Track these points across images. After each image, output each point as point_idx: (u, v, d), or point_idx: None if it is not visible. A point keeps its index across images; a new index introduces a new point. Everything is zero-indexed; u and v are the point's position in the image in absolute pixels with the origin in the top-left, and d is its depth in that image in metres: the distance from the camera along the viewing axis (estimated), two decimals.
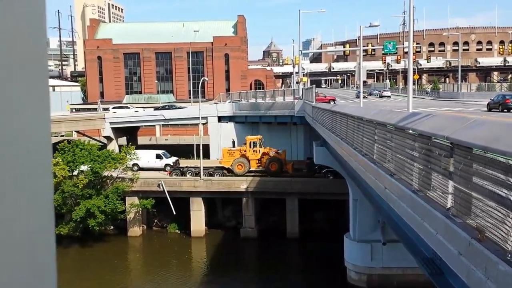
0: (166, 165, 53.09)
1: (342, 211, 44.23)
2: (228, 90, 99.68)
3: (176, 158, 55.59)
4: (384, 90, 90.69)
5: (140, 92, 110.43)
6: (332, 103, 53.57)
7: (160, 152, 54.70)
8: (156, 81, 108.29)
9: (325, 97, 64.57)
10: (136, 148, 52.42)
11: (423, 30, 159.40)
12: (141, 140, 77.01)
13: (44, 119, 0.93)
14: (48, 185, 0.95)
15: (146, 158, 53.75)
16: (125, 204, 48.37)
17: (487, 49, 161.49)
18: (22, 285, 0.86)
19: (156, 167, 53.23)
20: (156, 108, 75.13)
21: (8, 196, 0.84)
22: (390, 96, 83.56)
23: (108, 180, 48.59)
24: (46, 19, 0.95)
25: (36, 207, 0.91)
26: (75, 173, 46.96)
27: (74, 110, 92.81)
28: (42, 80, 0.93)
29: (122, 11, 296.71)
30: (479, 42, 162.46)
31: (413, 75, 42.07)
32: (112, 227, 50.26)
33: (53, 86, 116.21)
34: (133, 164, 52.22)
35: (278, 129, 59.36)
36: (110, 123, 64.25)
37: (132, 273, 42.69)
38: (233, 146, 54.47)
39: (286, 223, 47.92)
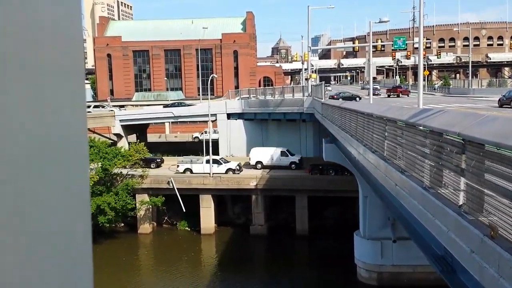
0: (291, 162, 51.74)
1: (352, 208, 44.08)
2: (237, 87, 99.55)
3: (300, 156, 53.97)
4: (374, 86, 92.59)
5: (150, 90, 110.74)
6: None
7: (285, 149, 53.21)
8: (165, 79, 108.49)
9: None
10: (145, 145, 52.51)
11: (433, 26, 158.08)
12: (151, 137, 77.25)
13: (81, 116, 0.96)
14: (85, 184, 0.97)
15: (270, 155, 52.82)
16: (135, 201, 48.58)
17: (498, 45, 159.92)
18: (60, 281, 0.90)
19: (281, 164, 52.00)
20: (166, 105, 75.29)
21: (49, 194, 0.86)
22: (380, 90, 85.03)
23: (118, 177, 48.81)
24: (82, 17, 0.97)
25: (74, 204, 0.94)
26: None
27: None
28: (79, 79, 0.95)
29: (131, 9, 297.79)
30: (490, 38, 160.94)
31: (423, 71, 41.73)
32: (122, 224, 50.54)
33: None
34: (257, 162, 51.66)
35: (287, 126, 59.24)
36: (120, 120, 64.45)
37: (142, 270, 42.86)
38: None
39: (296, 221, 47.86)
